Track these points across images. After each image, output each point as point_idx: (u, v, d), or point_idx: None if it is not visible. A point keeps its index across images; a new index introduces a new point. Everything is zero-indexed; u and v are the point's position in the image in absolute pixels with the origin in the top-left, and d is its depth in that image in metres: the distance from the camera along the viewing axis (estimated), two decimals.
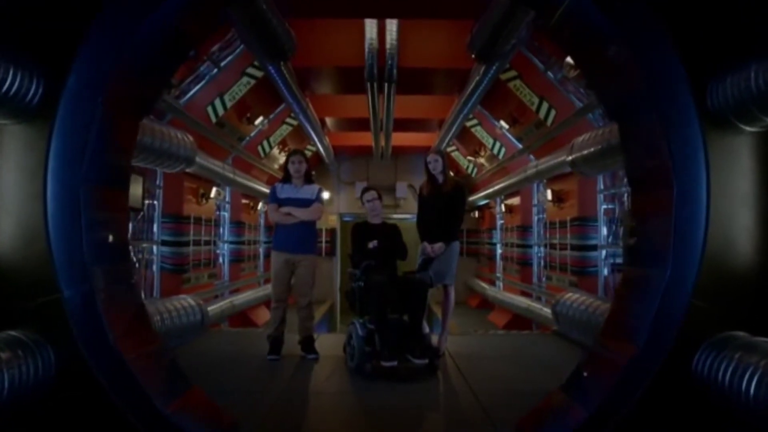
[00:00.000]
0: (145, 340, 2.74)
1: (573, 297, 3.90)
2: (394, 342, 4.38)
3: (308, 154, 12.09)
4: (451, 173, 5.11)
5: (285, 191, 5.10)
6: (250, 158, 9.57)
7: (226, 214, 9.45)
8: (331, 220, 14.57)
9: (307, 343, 5.11)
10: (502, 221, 11.77)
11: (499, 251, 11.91)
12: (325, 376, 4.52)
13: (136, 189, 5.05)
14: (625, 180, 6.09)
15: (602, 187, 6.71)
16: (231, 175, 8.06)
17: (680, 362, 2.53)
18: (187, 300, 3.92)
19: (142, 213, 6.25)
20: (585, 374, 2.81)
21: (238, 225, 9.89)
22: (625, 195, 6.06)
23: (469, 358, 5.10)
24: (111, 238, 2.77)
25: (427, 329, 4.75)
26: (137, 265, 6.11)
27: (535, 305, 8.00)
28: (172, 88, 5.90)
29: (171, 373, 2.83)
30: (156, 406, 2.49)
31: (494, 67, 5.57)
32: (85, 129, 2.47)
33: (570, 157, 4.25)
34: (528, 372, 4.73)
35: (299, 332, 5.15)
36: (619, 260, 6.30)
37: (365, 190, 5.20)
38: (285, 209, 4.97)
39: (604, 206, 6.68)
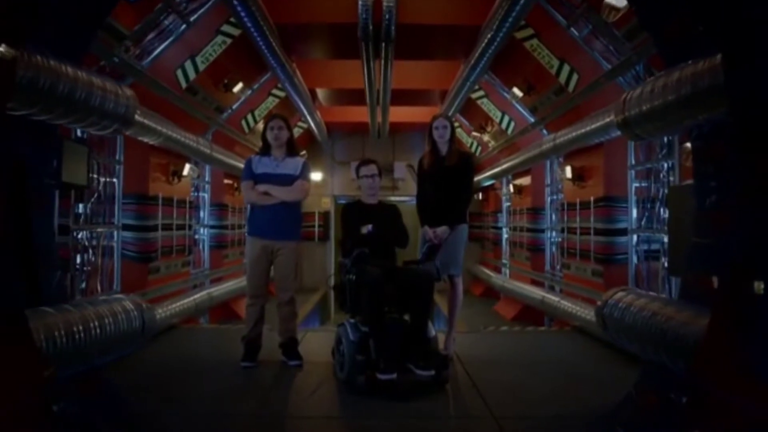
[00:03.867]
0: (21, 376, 1.82)
1: (628, 299, 2.97)
2: (393, 349, 3.61)
3: (299, 131, 11.22)
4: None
5: (262, 165, 4.34)
6: (232, 133, 8.63)
7: (206, 195, 8.53)
8: (325, 203, 13.91)
9: (290, 347, 4.38)
10: (509, 203, 10.93)
11: (505, 236, 11.07)
12: (308, 391, 3.74)
13: (77, 162, 4.12)
14: (664, 152, 5.19)
15: (633, 161, 5.79)
16: (207, 151, 7.09)
17: None
18: (120, 302, 2.94)
19: (96, 193, 5.34)
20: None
21: (219, 207, 8.98)
22: (665, 169, 5.14)
23: (481, 365, 4.37)
24: None
25: (433, 332, 3.91)
26: (91, 253, 5.20)
27: (552, 297, 7.11)
28: (124, 40, 4.92)
29: (60, 424, 1.91)
30: None
31: (515, 11, 4.62)
32: None
33: (622, 116, 3.35)
34: (556, 385, 3.95)
35: (280, 333, 4.43)
36: (654, 246, 5.42)
37: (363, 163, 4.42)
38: (262, 187, 4.24)
39: (636, 184, 5.77)
